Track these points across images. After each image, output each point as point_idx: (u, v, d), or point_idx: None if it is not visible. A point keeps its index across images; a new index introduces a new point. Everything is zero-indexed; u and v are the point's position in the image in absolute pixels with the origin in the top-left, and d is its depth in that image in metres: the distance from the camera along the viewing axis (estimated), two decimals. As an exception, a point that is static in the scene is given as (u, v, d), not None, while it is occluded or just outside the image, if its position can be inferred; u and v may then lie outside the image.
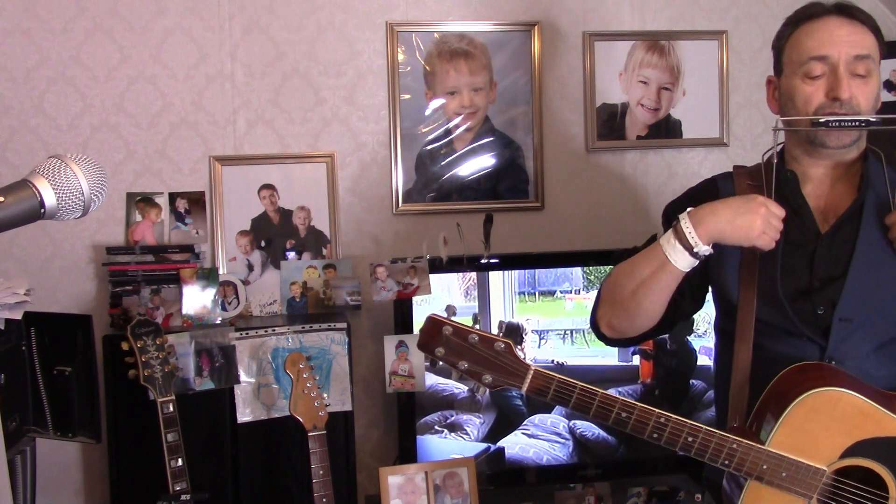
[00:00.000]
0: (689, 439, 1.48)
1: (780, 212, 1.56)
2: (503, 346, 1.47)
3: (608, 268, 2.74)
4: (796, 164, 1.70)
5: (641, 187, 3.10)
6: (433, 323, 1.49)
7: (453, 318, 1.52)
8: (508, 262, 2.74)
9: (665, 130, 3.08)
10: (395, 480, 2.59)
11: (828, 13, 1.64)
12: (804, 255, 1.64)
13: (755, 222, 1.53)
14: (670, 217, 1.73)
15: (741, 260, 1.66)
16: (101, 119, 2.80)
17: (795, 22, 1.67)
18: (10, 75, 2.74)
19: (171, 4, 2.81)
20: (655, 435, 1.49)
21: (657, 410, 1.49)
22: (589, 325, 1.83)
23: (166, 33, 2.82)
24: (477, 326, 1.52)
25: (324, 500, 2.32)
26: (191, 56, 2.83)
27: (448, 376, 2.65)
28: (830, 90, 1.59)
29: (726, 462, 1.49)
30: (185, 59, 2.83)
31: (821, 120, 1.58)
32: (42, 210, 1.00)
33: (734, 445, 1.48)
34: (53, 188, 1.01)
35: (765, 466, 1.48)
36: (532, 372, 1.48)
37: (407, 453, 2.68)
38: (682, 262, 1.59)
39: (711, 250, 1.58)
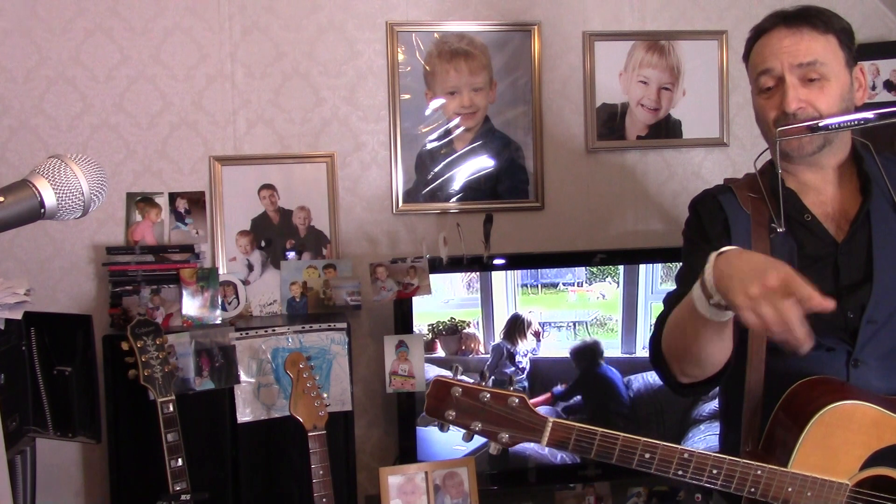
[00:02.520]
0: (715, 472, 1.46)
1: (799, 293, 1.31)
2: (517, 400, 1.41)
3: (609, 267, 2.76)
4: (790, 175, 1.67)
5: (641, 187, 3.10)
6: (441, 385, 1.42)
7: (461, 378, 1.44)
8: (508, 262, 2.74)
9: (665, 130, 3.08)
10: (395, 480, 2.59)
11: (776, 25, 1.63)
12: (826, 267, 1.61)
13: (750, 289, 1.31)
14: (689, 240, 1.73)
15: None
16: (101, 119, 2.80)
17: (752, 39, 1.69)
18: (10, 75, 2.74)
19: (171, 4, 2.81)
20: (680, 472, 1.45)
21: (679, 447, 1.46)
22: (665, 385, 1.70)
23: (166, 33, 2.82)
24: (487, 384, 1.44)
25: (324, 500, 2.32)
26: (191, 56, 2.83)
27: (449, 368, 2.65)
28: (780, 103, 1.59)
29: (752, 490, 1.46)
30: (185, 59, 2.83)
31: (820, 124, 1.56)
32: (42, 210, 1.00)
33: (758, 472, 1.46)
34: (53, 188, 1.01)
35: (790, 489, 1.46)
36: (551, 424, 1.42)
37: (407, 453, 2.68)
38: (714, 314, 1.43)
39: None
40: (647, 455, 1.44)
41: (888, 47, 3.04)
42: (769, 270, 1.31)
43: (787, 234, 1.62)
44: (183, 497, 2.28)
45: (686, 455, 1.45)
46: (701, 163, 3.13)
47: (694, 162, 3.13)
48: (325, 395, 2.44)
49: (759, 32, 1.67)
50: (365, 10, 2.91)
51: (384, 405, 2.93)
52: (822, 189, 1.66)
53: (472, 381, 1.44)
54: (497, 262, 2.69)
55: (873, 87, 3.03)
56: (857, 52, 1.67)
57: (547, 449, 2.72)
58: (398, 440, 2.76)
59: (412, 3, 2.93)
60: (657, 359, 1.70)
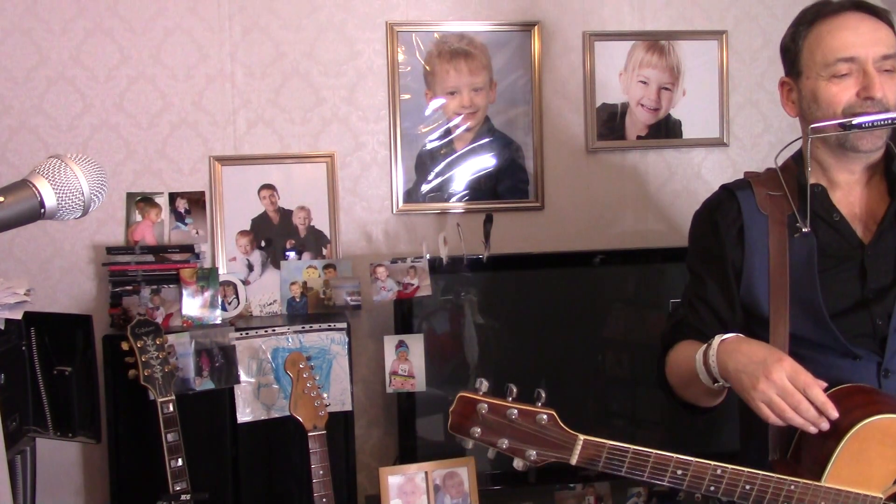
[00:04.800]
0: (748, 487, 1.43)
1: (801, 386, 1.42)
2: (546, 417, 1.37)
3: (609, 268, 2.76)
4: (821, 171, 1.63)
5: (641, 187, 3.10)
6: (466, 402, 1.37)
7: (484, 394, 1.39)
8: (508, 262, 2.74)
9: (665, 130, 3.08)
10: (395, 480, 2.59)
11: (845, 9, 1.57)
12: (852, 268, 1.57)
13: (758, 385, 1.42)
14: (695, 239, 1.74)
15: (769, 281, 1.59)
16: (101, 119, 2.80)
17: (811, 20, 1.60)
18: (10, 75, 2.74)
19: (171, 4, 2.81)
20: (713, 488, 1.43)
21: (713, 463, 1.43)
22: (671, 406, 1.76)
23: (166, 33, 2.82)
24: (510, 399, 1.40)
25: (324, 500, 2.32)
26: (191, 56, 2.83)
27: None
28: (863, 89, 1.53)
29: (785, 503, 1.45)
30: (185, 59, 2.83)
31: (854, 122, 1.50)
32: (42, 210, 1.00)
33: (791, 487, 1.43)
34: (53, 188, 1.01)
35: (822, 503, 1.45)
36: (581, 442, 1.39)
37: (407, 453, 2.68)
38: (717, 386, 1.53)
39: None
40: (680, 472, 1.42)
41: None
42: (772, 365, 1.42)
43: (810, 233, 1.56)
44: (183, 497, 2.28)
45: (719, 472, 1.42)
46: (701, 163, 3.13)
47: (694, 162, 3.13)
48: (325, 395, 2.44)
49: (818, 15, 1.59)
50: (365, 10, 2.91)
51: (384, 405, 2.93)
52: (851, 188, 1.62)
53: (497, 397, 1.39)
54: (497, 262, 2.69)
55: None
56: None
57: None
58: (398, 440, 2.76)
59: (412, 3, 2.93)
60: (662, 382, 1.73)
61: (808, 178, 1.57)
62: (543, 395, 1.39)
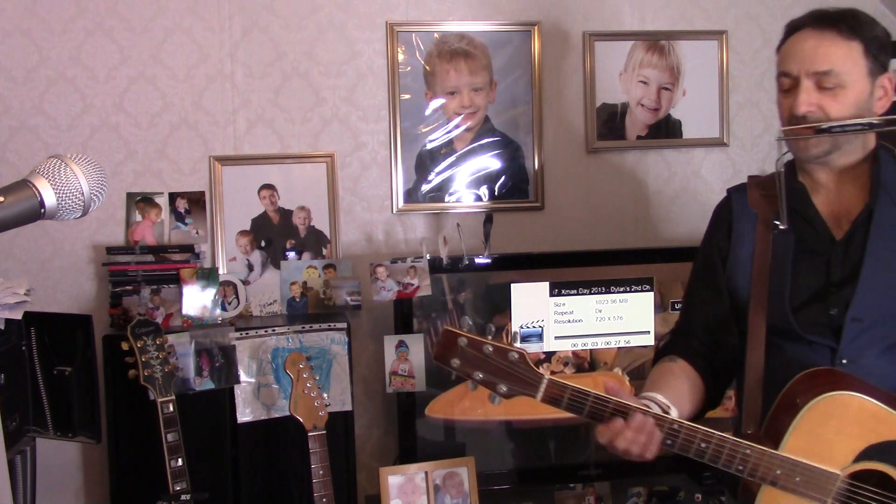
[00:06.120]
0: (703, 445, 1.49)
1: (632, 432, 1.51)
2: (517, 355, 1.49)
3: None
4: (804, 172, 1.71)
5: (641, 187, 3.10)
6: (449, 335, 1.50)
7: (467, 331, 1.52)
8: (508, 262, 2.74)
9: (665, 130, 3.08)
10: (395, 480, 2.59)
11: (805, 25, 1.64)
12: (820, 262, 1.65)
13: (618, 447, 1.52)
14: (703, 245, 1.85)
15: (752, 267, 1.69)
16: (101, 119, 2.80)
17: (785, 35, 1.69)
18: (10, 75, 2.74)
19: (171, 4, 2.81)
20: (669, 441, 1.50)
21: (670, 417, 1.51)
22: None
23: (166, 33, 2.82)
24: (489, 337, 1.52)
25: (324, 500, 2.32)
26: (191, 56, 2.83)
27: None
28: (793, 104, 1.61)
29: (740, 468, 1.49)
30: (185, 59, 2.83)
31: (822, 126, 1.58)
32: (42, 210, 1.00)
33: (747, 451, 1.49)
34: (53, 188, 1.01)
35: (778, 472, 1.49)
36: (546, 381, 1.49)
37: (407, 453, 2.68)
38: None
39: None
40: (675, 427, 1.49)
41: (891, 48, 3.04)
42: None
43: (789, 229, 1.65)
44: (183, 497, 2.28)
45: (675, 426, 1.50)
46: (701, 163, 3.13)
47: (694, 162, 3.13)
48: (325, 395, 2.44)
49: (790, 30, 1.68)
50: (365, 10, 2.91)
51: (384, 405, 2.93)
52: (832, 188, 1.69)
53: (476, 334, 1.51)
54: (497, 262, 2.69)
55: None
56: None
57: (551, 449, 2.72)
58: (398, 440, 2.76)
59: (412, 3, 2.93)
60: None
61: (781, 179, 1.65)
62: (493, 328, 1.51)
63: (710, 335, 1.78)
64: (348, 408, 2.63)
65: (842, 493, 1.49)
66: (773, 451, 1.50)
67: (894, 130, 1.58)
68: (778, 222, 1.66)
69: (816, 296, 1.64)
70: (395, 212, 2.95)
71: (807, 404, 1.50)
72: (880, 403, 1.49)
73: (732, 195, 1.80)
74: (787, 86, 1.63)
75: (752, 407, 1.64)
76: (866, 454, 1.49)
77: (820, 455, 1.49)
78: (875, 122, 1.58)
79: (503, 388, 1.49)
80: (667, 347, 1.85)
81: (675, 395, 1.65)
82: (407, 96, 2.92)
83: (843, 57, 1.59)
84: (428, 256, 2.66)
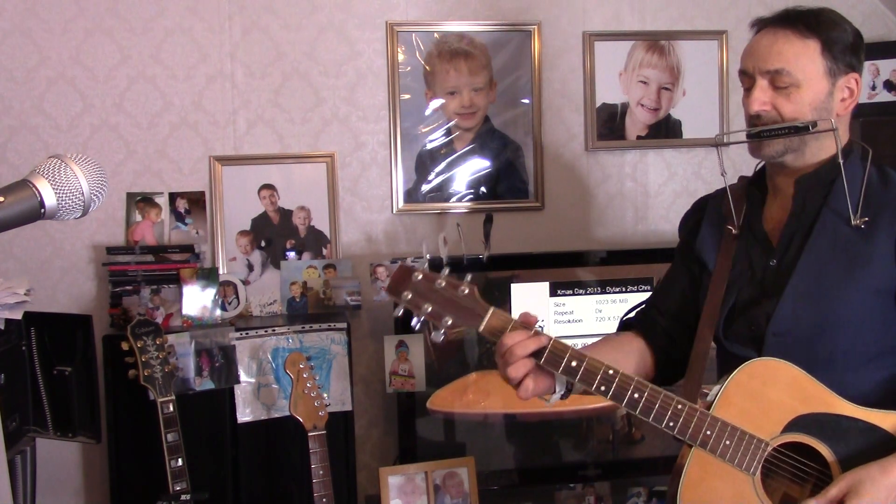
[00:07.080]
0: (636, 395, 1.47)
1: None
2: (467, 289, 1.49)
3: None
4: (768, 177, 1.70)
5: (641, 187, 3.10)
6: (404, 269, 1.52)
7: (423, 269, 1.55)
8: (508, 262, 2.74)
9: (665, 130, 3.08)
10: (395, 480, 2.59)
11: (766, 24, 1.63)
12: (757, 273, 1.64)
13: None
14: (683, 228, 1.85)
15: (712, 272, 1.70)
16: (101, 119, 2.80)
17: (753, 32, 1.70)
18: (10, 75, 2.74)
19: (171, 4, 2.81)
20: (603, 388, 1.47)
21: (606, 363, 1.48)
22: None
23: (166, 33, 2.82)
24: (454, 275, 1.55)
25: (324, 500, 2.32)
26: (191, 56, 2.83)
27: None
28: (747, 104, 1.61)
29: (671, 424, 1.47)
30: (185, 59, 2.83)
31: (752, 131, 1.60)
32: (42, 210, 1.00)
33: (679, 406, 1.47)
34: (53, 188, 1.01)
35: (708, 432, 1.47)
36: (491, 311, 1.50)
37: (407, 453, 2.68)
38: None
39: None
40: (574, 363, 1.48)
41: (888, 47, 3.04)
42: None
43: (742, 236, 1.67)
44: (183, 497, 2.28)
45: (611, 372, 1.48)
46: (701, 163, 3.13)
47: (694, 162, 3.13)
48: (325, 395, 2.44)
49: (755, 28, 1.69)
50: (365, 10, 2.91)
51: (384, 405, 2.93)
52: (787, 193, 1.65)
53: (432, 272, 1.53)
54: (497, 262, 2.69)
55: (873, 87, 3.03)
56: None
57: (551, 449, 2.72)
58: (398, 440, 2.76)
59: (412, 3, 2.93)
60: None
61: (725, 182, 1.68)
62: (469, 277, 1.51)
63: (675, 318, 1.76)
64: (348, 408, 2.63)
65: (769, 464, 1.48)
66: (704, 410, 1.48)
67: (819, 132, 1.55)
68: (730, 227, 1.68)
69: (745, 308, 1.63)
70: (395, 212, 2.95)
71: (738, 368, 1.51)
72: (811, 377, 1.48)
73: (710, 197, 1.81)
74: (747, 84, 1.64)
75: (694, 371, 1.64)
76: (795, 424, 1.47)
77: (752, 424, 1.48)
78: (800, 125, 1.55)
79: (449, 321, 1.49)
80: (630, 321, 1.84)
81: (604, 357, 1.58)
82: (407, 96, 2.92)
83: (797, 55, 1.56)
84: (428, 256, 2.65)
